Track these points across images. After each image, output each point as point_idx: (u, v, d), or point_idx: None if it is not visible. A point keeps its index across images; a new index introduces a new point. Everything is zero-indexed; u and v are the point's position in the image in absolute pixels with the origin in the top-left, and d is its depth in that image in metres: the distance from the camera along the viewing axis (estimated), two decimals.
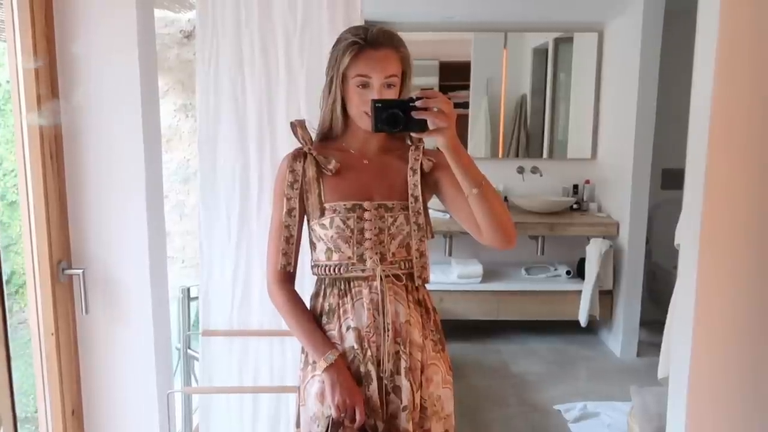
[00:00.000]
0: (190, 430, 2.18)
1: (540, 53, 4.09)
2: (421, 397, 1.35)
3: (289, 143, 1.39)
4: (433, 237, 1.41)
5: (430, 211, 1.42)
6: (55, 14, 1.54)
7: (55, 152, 1.58)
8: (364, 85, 1.29)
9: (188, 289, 2.18)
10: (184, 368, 2.23)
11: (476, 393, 3.23)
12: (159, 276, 1.73)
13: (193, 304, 2.26)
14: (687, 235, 1.59)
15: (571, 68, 4.07)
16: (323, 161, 1.35)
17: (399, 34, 1.34)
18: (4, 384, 1.16)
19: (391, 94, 1.30)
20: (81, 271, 1.61)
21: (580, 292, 3.75)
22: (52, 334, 1.58)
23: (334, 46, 1.34)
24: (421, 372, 1.35)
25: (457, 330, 3.87)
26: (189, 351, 2.24)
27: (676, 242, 1.87)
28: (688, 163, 1.60)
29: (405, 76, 1.34)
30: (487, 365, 3.60)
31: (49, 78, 1.54)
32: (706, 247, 1.51)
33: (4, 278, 1.41)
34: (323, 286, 1.39)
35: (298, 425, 1.40)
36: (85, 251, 1.64)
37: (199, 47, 1.81)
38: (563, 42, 4.06)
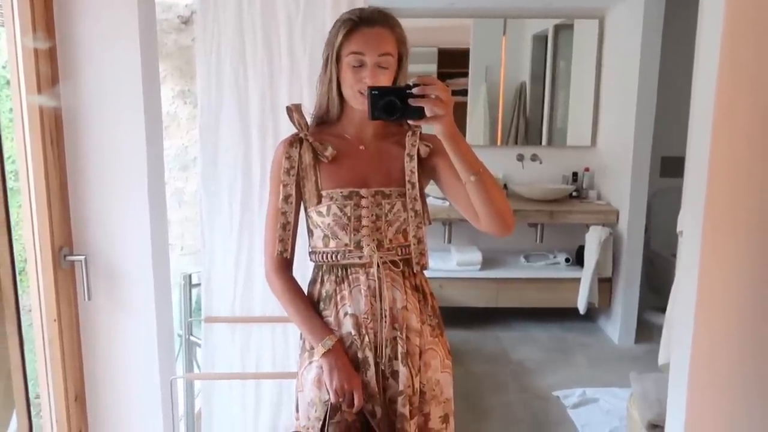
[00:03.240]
0: (192, 415, 2.19)
1: (540, 40, 4.07)
2: (420, 381, 1.35)
3: (291, 129, 1.39)
4: (430, 223, 1.41)
5: (430, 198, 1.42)
6: None
7: (55, 138, 1.56)
8: (359, 64, 1.27)
9: (189, 276, 2.17)
10: (186, 354, 2.24)
11: (476, 379, 3.24)
12: (161, 262, 1.72)
13: (194, 290, 2.26)
14: (689, 221, 1.59)
15: (572, 55, 4.05)
16: (320, 148, 1.34)
17: (397, 18, 1.33)
18: (17, 367, 1.16)
19: (386, 76, 1.28)
20: (83, 257, 1.61)
21: (579, 279, 3.76)
22: (55, 320, 1.57)
23: (331, 28, 1.33)
24: (419, 357, 1.36)
25: (457, 317, 3.88)
26: (190, 337, 2.25)
27: (678, 229, 1.87)
28: (689, 149, 1.60)
29: (401, 59, 1.33)
30: (486, 352, 3.62)
31: (49, 62, 1.53)
32: (709, 233, 1.52)
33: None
34: (321, 273, 1.39)
35: (297, 410, 1.41)
36: (86, 237, 1.64)
37: (200, 33, 1.79)
38: (563, 29, 4.04)
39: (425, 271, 1.43)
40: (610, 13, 3.87)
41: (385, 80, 1.28)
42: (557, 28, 4.04)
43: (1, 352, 1.25)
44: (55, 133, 1.56)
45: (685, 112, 1.60)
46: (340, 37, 1.28)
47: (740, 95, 1.45)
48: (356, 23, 1.28)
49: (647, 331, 3.78)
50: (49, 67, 1.53)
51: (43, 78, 1.51)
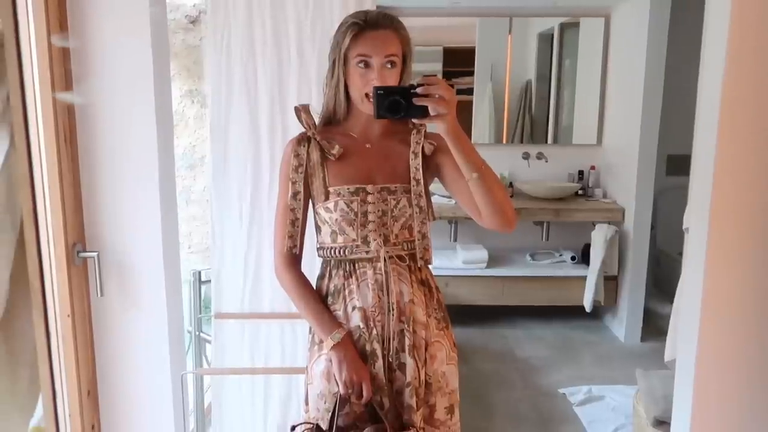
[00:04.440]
0: (202, 410, 2.21)
1: (545, 38, 4.08)
2: (425, 373, 1.38)
3: (300, 128, 1.41)
4: (434, 219, 1.44)
5: (436, 196, 1.44)
6: None
7: (68, 136, 1.59)
8: (366, 65, 1.31)
9: (199, 273, 2.20)
10: (196, 351, 2.26)
11: (482, 377, 3.26)
12: (172, 259, 1.75)
13: (203, 287, 2.28)
14: (695, 218, 1.61)
15: (577, 54, 4.06)
16: (327, 146, 1.38)
17: (402, 18, 1.36)
18: (44, 354, 1.18)
19: (392, 76, 1.32)
20: (95, 254, 1.63)
21: (584, 277, 3.77)
22: (68, 315, 1.60)
23: (336, 31, 1.36)
24: (425, 349, 1.38)
25: (463, 315, 3.90)
26: (200, 334, 2.27)
27: (684, 226, 1.88)
28: (695, 147, 1.60)
29: (406, 58, 1.36)
30: (492, 350, 3.63)
31: (63, 61, 1.55)
32: (715, 230, 1.53)
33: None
34: (329, 268, 1.42)
35: (307, 403, 1.44)
36: (99, 235, 1.66)
37: (210, 33, 1.81)
38: (569, 27, 4.05)
39: (430, 266, 1.46)
40: (616, 11, 3.87)
41: (392, 80, 1.32)
42: (563, 27, 4.05)
43: (26, 343, 1.28)
44: (68, 132, 1.58)
45: (691, 110, 1.61)
46: (347, 41, 1.31)
47: (746, 93, 1.46)
48: (362, 27, 1.31)
49: (653, 328, 3.78)
50: (63, 68, 1.55)
51: (57, 78, 1.53)
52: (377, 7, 1.74)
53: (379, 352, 1.34)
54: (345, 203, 1.35)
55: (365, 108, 1.34)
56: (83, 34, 1.57)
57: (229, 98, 1.84)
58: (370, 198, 1.36)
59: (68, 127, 1.58)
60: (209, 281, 2.02)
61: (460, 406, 1.46)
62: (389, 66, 1.31)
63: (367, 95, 1.31)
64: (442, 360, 1.41)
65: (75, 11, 1.56)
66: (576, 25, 4.03)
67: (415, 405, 1.34)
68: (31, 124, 1.53)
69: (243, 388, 2.01)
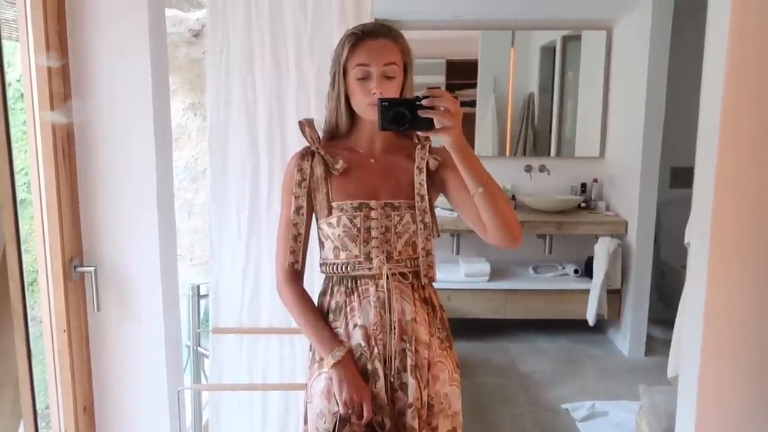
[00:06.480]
0: (199, 427, 2.19)
1: (548, 51, 4.08)
2: (428, 394, 1.35)
3: (299, 141, 1.41)
4: (439, 236, 1.42)
5: (438, 209, 1.43)
6: (67, 13, 1.55)
7: (67, 151, 1.59)
8: (365, 76, 1.30)
9: (198, 287, 2.19)
10: (194, 366, 2.24)
11: (484, 391, 3.23)
12: (169, 274, 1.74)
13: (202, 301, 2.27)
14: (697, 233, 1.59)
15: (579, 66, 4.06)
16: (331, 161, 1.36)
17: (405, 31, 1.36)
18: (25, 379, 1.17)
19: (392, 87, 1.31)
20: (93, 268, 1.62)
21: (588, 291, 3.74)
22: (65, 331, 1.59)
23: (336, 46, 1.36)
24: (428, 369, 1.36)
25: (465, 329, 3.87)
26: (198, 348, 2.26)
27: (686, 240, 1.86)
28: (697, 160, 1.59)
29: (406, 69, 1.35)
30: (494, 364, 3.60)
31: (62, 77, 1.55)
32: (716, 245, 1.51)
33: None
34: (331, 284, 1.40)
35: (306, 422, 1.41)
36: (96, 249, 1.66)
37: (210, 46, 1.82)
38: (571, 40, 4.05)
39: (434, 284, 1.44)
40: (618, 24, 3.88)
41: (392, 90, 1.30)
42: (565, 40, 4.05)
43: (10, 363, 1.26)
44: (66, 147, 1.58)
45: (695, 122, 1.60)
46: (345, 52, 1.31)
47: (746, 106, 1.45)
48: (360, 37, 1.31)
49: (658, 343, 3.75)
50: (62, 83, 1.55)
51: (55, 94, 1.53)
52: (376, 19, 1.74)
53: (380, 372, 1.32)
54: (348, 218, 1.34)
55: (369, 116, 1.32)
56: (82, 50, 1.57)
57: (227, 111, 1.84)
58: (373, 214, 1.34)
59: (66, 142, 1.58)
60: (208, 295, 2.01)
61: (463, 427, 1.43)
62: (389, 77, 1.30)
63: (370, 104, 1.30)
64: (444, 381, 1.38)
65: (74, 27, 1.56)
66: (578, 38, 4.03)
67: (417, 426, 1.31)
68: (30, 139, 1.53)
69: (241, 404, 1.99)
